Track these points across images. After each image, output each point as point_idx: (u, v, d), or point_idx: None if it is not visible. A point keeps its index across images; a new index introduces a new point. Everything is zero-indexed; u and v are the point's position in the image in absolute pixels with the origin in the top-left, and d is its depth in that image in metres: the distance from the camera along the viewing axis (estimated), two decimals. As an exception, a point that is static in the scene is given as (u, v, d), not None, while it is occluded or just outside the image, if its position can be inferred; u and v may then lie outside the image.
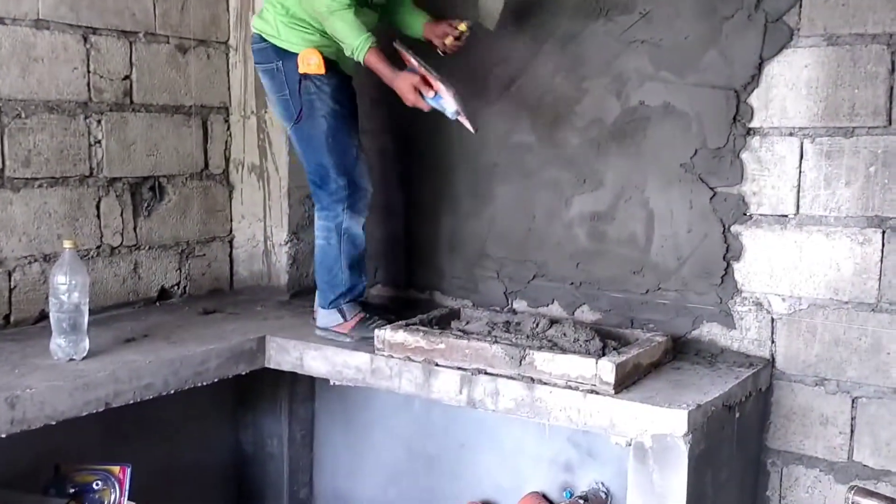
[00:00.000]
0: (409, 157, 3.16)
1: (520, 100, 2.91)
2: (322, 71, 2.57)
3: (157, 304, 3.12)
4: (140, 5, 2.98)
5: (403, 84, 2.44)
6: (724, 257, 2.60)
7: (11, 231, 2.66)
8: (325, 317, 2.74)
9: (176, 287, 3.21)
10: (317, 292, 2.80)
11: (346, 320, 2.68)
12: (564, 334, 2.41)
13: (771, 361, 2.54)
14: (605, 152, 2.77)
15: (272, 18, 2.62)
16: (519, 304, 2.96)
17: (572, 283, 2.86)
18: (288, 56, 2.60)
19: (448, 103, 2.40)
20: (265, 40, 2.64)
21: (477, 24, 2.65)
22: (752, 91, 2.52)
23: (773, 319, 2.55)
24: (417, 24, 2.71)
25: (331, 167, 2.65)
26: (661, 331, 2.62)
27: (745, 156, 2.54)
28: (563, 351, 2.31)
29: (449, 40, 2.62)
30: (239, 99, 3.31)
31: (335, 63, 2.63)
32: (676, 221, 2.66)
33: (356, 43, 2.46)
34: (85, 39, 2.82)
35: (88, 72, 2.84)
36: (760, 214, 2.55)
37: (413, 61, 2.45)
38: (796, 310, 2.51)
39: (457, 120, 2.44)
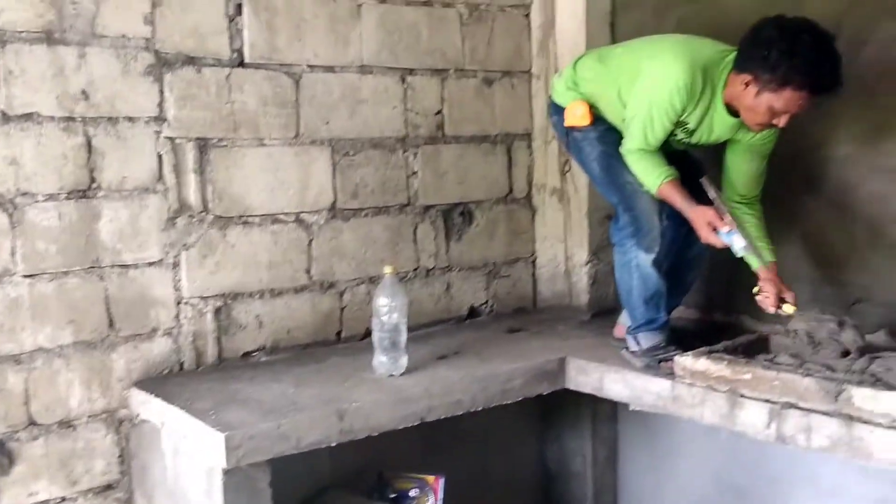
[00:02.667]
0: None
1: (837, 108, 2.70)
2: (586, 122, 2.66)
3: (467, 321, 3.31)
4: (450, 44, 3.19)
5: (698, 218, 2.45)
6: None
7: (342, 256, 2.97)
8: (627, 340, 2.74)
9: (484, 306, 3.38)
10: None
11: (640, 347, 2.66)
12: (890, 368, 2.19)
13: None
14: (939, 163, 2.49)
15: (564, 77, 2.78)
16: (838, 331, 2.74)
17: (901, 310, 2.60)
18: (560, 110, 2.76)
19: (737, 240, 2.41)
20: (552, 97, 2.83)
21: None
22: None
23: None
24: (756, 263, 2.57)
25: (616, 204, 2.71)
26: None
27: None
28: (888, 387, 2.10)
29: (770, 306, 2.53)
30: (541, 125, 3.42)
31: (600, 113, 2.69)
32: None
33: (648, 182, 2.54)
34: (402, 80, 3.08)
35: (406, 109, 3.10)
36: None
37: (713, 196, 2.45)
38: None
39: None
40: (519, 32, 3.39)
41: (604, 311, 3.32)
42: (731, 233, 2.41)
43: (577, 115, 2.70)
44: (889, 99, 2.59)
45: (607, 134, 2.68)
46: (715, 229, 2.42)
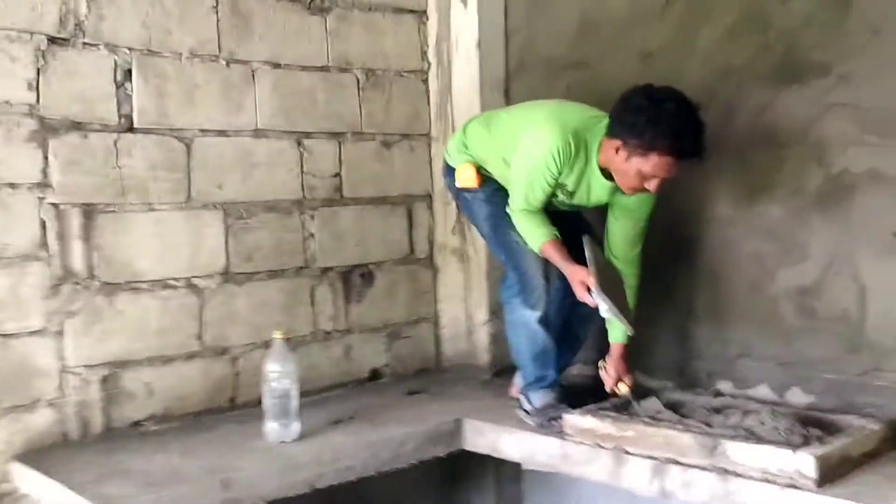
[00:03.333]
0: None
1: (715, 172, 2.82)
2: (474, 184, 2.75)
3: (368, 384, 3.29)
4: (348, 108, 3.23)
5: (573, 277, 2.52)
6: (953, 335, 2.33)
7: (235, 321, 2.94)
8: (520, 399, 2.77)
9: (385, 367, 3.37)
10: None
11: (532, 406, 2.69)
12: (763, 422, 2.26)
13: None
14: (808, 223, 2.61)
15: (455, 139, 2.85)
16: (723, 385, 2.81)
17: (780, 363, 2.68)
18: (452, 171, 2.84)
19: (601, 302, 2.46)
20: (445, 158, 2.91)
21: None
22: (975, 150, 2.28)
23: None
24: (612, 334, 2.70)
25: (504, 262, 2.79)
26: (882, 416, 2.37)
27: (970, 221, 2.29)
28: (759, 440, 2.16)
29: (609, 386, 2.68)
30: (441, 187, 3.45)
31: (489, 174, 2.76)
32: (894, 296, 2.43)
33: (531, 241, 2.61)
34: (299, 144, 3.10)
35: (302, 172, 3.11)
36: None
37: (589, 259, 2.51)
38: None
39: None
40: (417, 97, 3.45)
41: (505, 369, 3.34)
42: (598, 295, 2.46)
43: (465, 178, 2.77)
44: (761, 162, 2.71)
45: (496, 195, 2.74)
46: (589, 289, 2.48)
